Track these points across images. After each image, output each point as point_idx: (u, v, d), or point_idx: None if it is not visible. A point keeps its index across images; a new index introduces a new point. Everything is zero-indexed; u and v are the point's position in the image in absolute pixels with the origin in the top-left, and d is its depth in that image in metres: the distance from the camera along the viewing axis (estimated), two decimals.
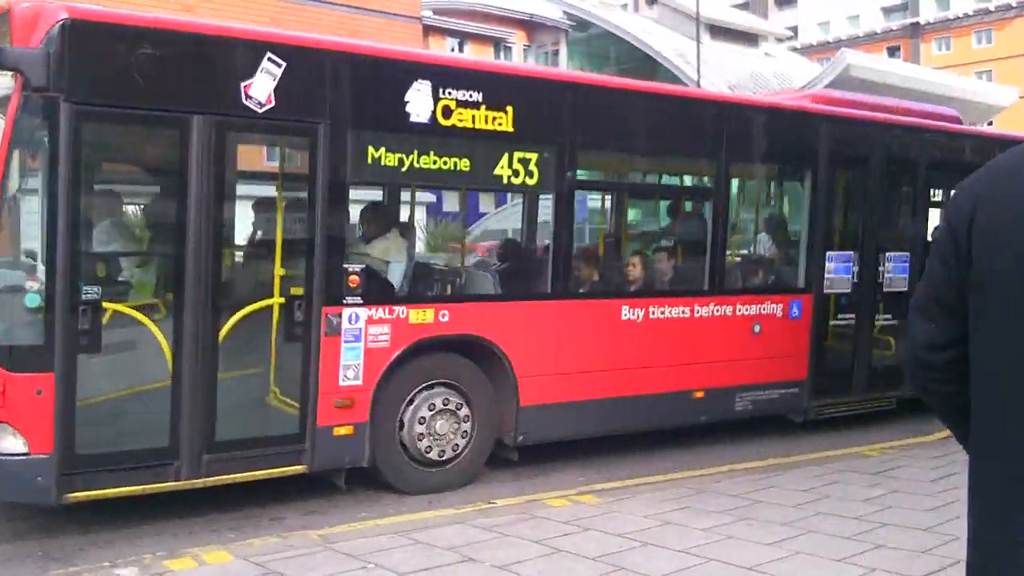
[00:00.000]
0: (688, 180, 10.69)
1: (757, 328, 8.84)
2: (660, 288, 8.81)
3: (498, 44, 40.95)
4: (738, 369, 8.71)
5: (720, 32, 42.98)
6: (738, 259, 10.13)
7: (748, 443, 9.00)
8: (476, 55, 36.91)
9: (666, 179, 10.69)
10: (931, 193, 10.50)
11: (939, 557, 5.48)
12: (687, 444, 8.68)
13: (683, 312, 8.40)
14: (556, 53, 42.10)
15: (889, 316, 9.86)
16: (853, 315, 9.66)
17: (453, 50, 37.72)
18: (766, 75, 38.26)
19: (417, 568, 5.19)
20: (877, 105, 10.32)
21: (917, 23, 63.72)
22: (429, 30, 36.70)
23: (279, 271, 6.49)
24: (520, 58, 41.00)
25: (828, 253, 9.35)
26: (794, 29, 65.31)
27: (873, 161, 9.76)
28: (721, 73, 34.48)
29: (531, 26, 42.08)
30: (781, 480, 7.38)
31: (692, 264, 9.27)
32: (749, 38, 45.18)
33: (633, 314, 8.11)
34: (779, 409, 9.19)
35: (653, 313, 8.22)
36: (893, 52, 62.45)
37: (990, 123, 37.31)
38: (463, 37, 39.26)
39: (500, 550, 5.53)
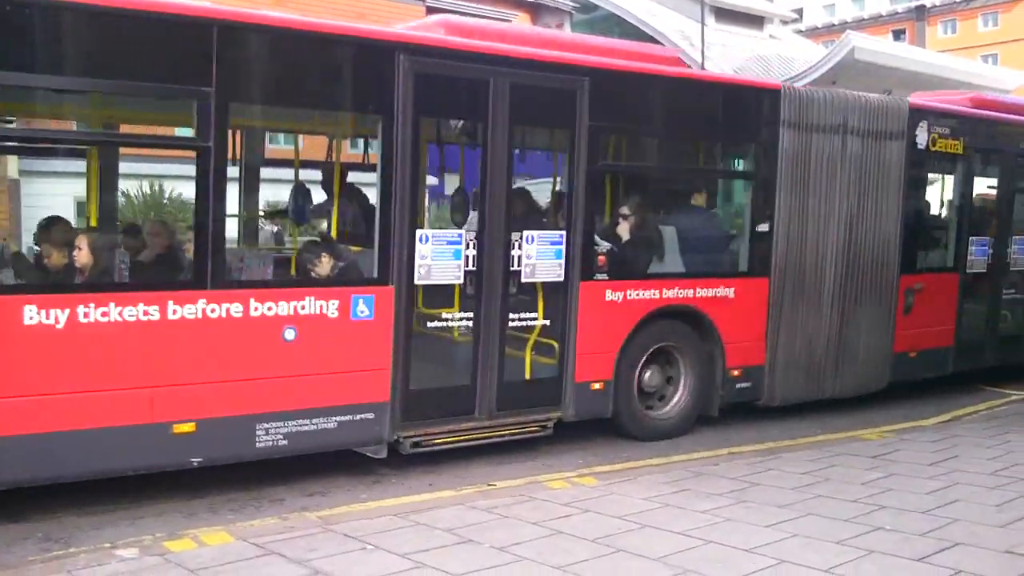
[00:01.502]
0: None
1: (291, 334, 6.42)
2: (104, 281, 6.27)
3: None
4: (259, 391, 6.35)
5: (725, 14, 42.68)
6: (259, 237, 8.93)
7: (747, 426, 9.02)
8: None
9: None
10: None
11: (936, 540, 5.50)
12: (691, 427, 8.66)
13: (148, 314, 5.91)
14: None
15: (532, 315, 7.71)
16: (471, 314, 7.36)
17: None
18: (771, 58, 38.09)
19: (416, 549, 5.21)
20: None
21: (923, 6, 63.27)
22: (433, 12, 36.61)
23: None
24: None
25: (420, 232, 7.04)
26: (799, 11, 64.96)
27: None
28: (726, 56, 34.31)
29: (535, 7, 41.79)
30: (780, 463, 7.40)
31: (173, 247, 7.42)
32: (754, 20, 44.84)
33: (48, 317, 5.62)
34: (345, 442, 6.81)
35: (88, 315, 5.73)
36: (899, 35, 62.09)
37: None
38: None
39: (499, 532, 5.55)
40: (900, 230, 9.72)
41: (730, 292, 8.61)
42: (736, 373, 8.72)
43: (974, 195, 11.07)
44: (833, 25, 64.11)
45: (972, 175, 10.83)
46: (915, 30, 63.03)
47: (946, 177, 11.27)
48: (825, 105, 9.02)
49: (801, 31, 60.62)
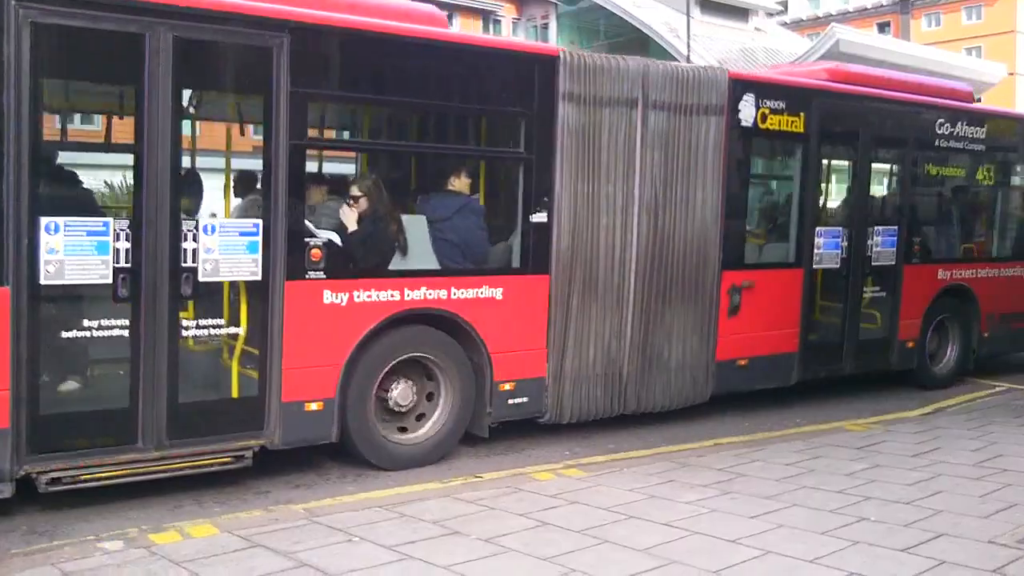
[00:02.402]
0: None
1: None
2: None
3: (487, 17, 40.72)
4: None
5: (710, 6, 42.74)
6: None
7: (733, 417, 9.05)
8: (465, 28, 36.69)
9: None
10: None
11: (920, 531, 5.53)
12: (672, 419, 8.69)
13: None
14: (546, 27, 41.85)
15: (216, 321, 6.43)
16: (125, 321, 5.95)
17: None
18: (756, 50, 38.12)
19: (402, 541, 5.21)
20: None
21: None
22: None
23: None
24: (509, 31, 40.76)
25: (46, 221, 5.64)
26: (784, 3, 65.06)
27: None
28: (711, 48, 34.35)
29: (521, 0, 41.82)
30: (765, 454, 7.43)
31: None
32: (739, 12, 44.94)
33: None
34: None
35: None
36: (883, 27, 62.27)
37: (979, 100, 37.33)
38: (452, 10, 39.00)
39: (486, 523, 5.55)
40: (721, 220, 8.49)
41: (497, 293, 7.35)
42: (508, 387, 7.45)
43: (821, 180, 9.91)
44: (818, 18, 64.38)
45: (819, 157, 9.61)
46: (900, 23, 63.20)
47: (784, 159, 10.20)
48: (618, 75, 7.79)
49: (786, 23, 60.80)
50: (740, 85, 8.68)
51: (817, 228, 9.44)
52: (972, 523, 5.69)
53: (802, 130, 9.21)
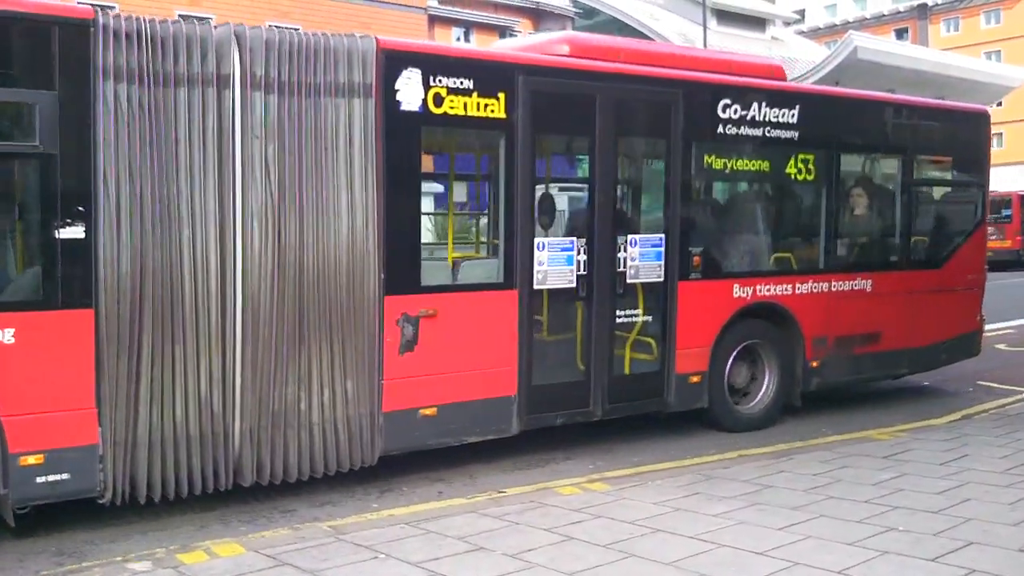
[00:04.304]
0: None
1: None
2: None
3: (504, 32, 40.90)
4: None
5: (727, 17, 42.85)
6: None
7: (757, 429, 8.99)
8: (481, 44, 36.88)
9: None
10: None
11: (949, 539, 5.47)
12: (697, 431, 8.67)
13: None
14: None
15: None
16: None
17: (459, 39, 37.74)
18: (773, 60, 38.11)
19: (428, 558, 5.21)
20: None
21: (925, 4, 63.33)
22: (435, 20, 36.73)
23: None
24: None
25: None
26: (801, 12, 65.05)
27: None
28: None
29: (537, 14, 42.01)
30: (791, 465, 7.38)
31: None
32: (756, 22, 45.02)
33: None
34: None
35: None
36: (901, 34, 62.14)
37: (999, 104, 37.11)
38: (468, 26, 39.23)
39: (511, 538, 5.54)
40: (380, 232, 6.61)
41: (4, 335, 5.50)
42: (32, 460, 5.59)
43: (539, 180, 7.93)
44: (835, 25, 64.29)
45: (532, 150, 7.52)
46: (917, 29, 63.06)
47: (480, 153, 8.62)
48: (192, 44, 6.00)
49: (803, 32, 60.77)
50: (397, 58, 6.75)
51: (538, 240, 7.52)
52: (1002, 531, 5.63)
53: (503, 115, 7.26)
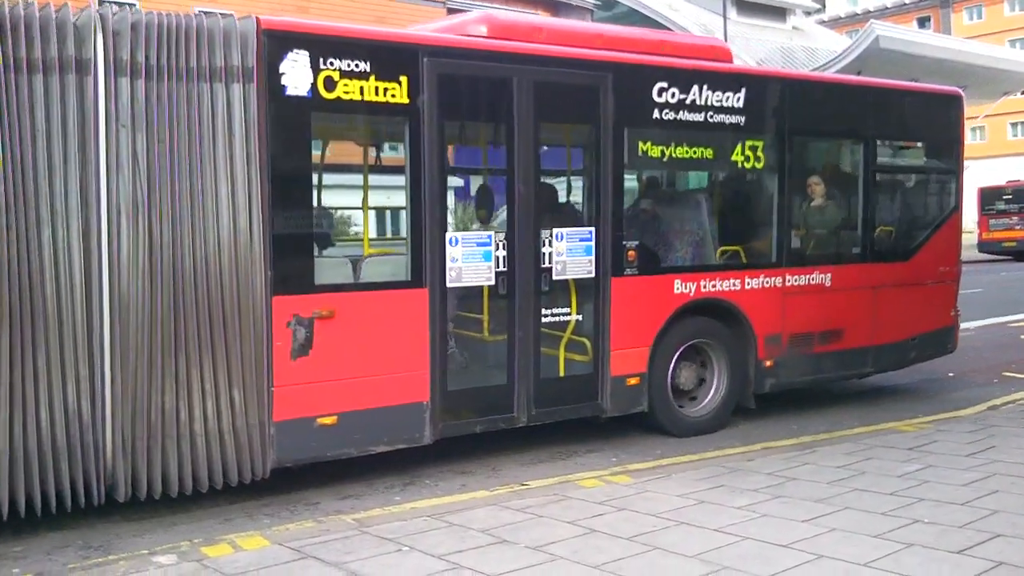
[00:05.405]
0: None
1: None
2: None
3: None
4: None
5: (747, 6, 42.55)
6: None
7: (780, 421, 8.96)
8: None
9: None
10: None
11: (976, 531, 5.43)
12: None
13: None
14: None
15: None
16: None
17: None
18: (795, 49, 37.85)
19: (452, 550, 5.21)
20: None
21: None
22: (453, 12, 36.72)
23: None
24: None
25: None
26: (822, 2, 64.58)
27: None
28: (749, 49, 34.14)
29: (556, 6, 41.87)
30: (815, 457, 7.34)
31: None
32: (777, 12, 44.70)
33: None
34: None
35: None
36: (923, 23, 61.62)
37: (1023, 92, 36.74)
38: None
39: (534, 531, 5.54)
40: (265, 227, 6.15)
41: None
42: None
43: (448, 169, 7.47)
44: (856, 15, 63.82)
45: (441, 138, 7.03)
46: (940, 17, 62.51)
47: (382, 141, 8.23)
48: (45, 28, 5.57)
49: (824, 21, 60.33)
50: (281, 39, 6.31)
51: (450, 235, 7.09)
52: None
53: (406, 100, 6.79)
